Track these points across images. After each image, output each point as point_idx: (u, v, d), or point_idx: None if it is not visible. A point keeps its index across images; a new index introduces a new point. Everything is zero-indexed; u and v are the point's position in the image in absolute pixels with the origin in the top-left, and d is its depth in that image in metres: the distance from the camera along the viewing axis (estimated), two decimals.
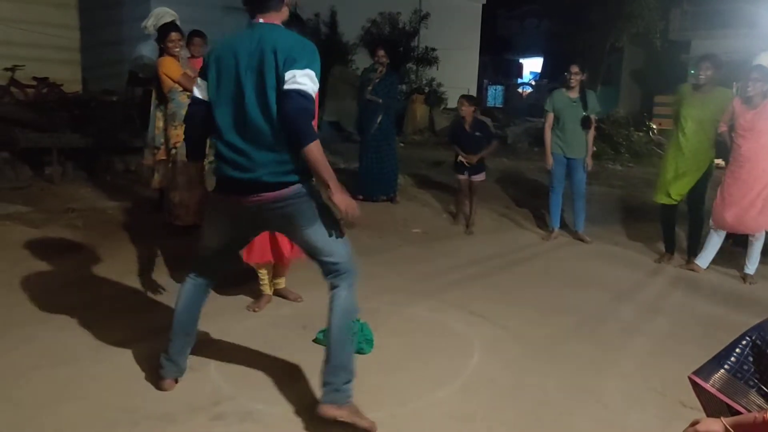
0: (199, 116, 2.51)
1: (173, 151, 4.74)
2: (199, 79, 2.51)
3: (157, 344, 3.13)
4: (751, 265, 4.88)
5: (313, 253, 2.51)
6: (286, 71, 2.28)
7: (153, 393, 2.72)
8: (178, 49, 4.69)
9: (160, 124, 4.91)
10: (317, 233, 2.45)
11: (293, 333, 3.40)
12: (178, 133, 4.54)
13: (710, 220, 4.99)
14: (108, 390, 2.71)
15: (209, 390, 2.77)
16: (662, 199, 5.16)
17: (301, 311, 3.73)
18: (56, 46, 9.87)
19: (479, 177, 6.20)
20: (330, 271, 2.50)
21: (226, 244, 2.66)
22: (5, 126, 6.67)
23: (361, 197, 6.47)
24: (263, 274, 3.75)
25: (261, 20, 2.43)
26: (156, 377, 2.78)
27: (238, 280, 3.98)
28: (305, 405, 2.66)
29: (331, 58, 13.07)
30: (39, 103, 8.17)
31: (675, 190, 5.05)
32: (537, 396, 2.87)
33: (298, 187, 2.40)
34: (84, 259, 4.36)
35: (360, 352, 3.16)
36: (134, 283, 4.01)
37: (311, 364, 2.85)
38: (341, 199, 2.34)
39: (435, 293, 4.11)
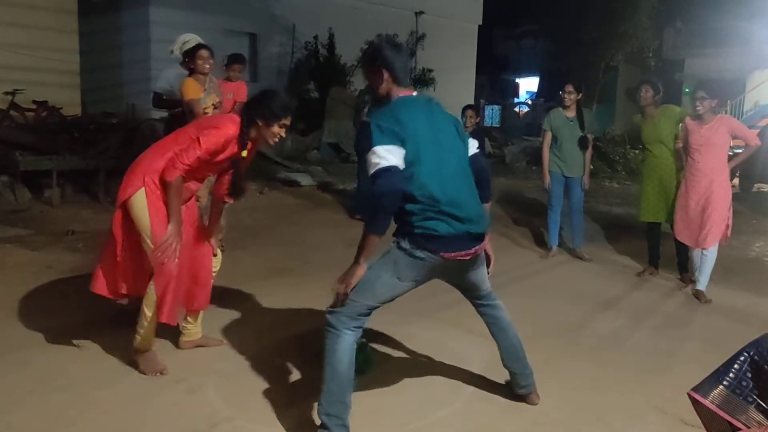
0: (403, 186, 2.41)
1: None
2: (394, 148, 2.39)
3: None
4: (703, 280, 4.77)
5: (476, 288, 2.80)
6: (465, 138, 2.72)
7: (151, 417, 2.70)
8: (208, 66, 4.72)
9: None
10: (485, 266, 2.80)
11: (292, 356, 3.39)
12: None
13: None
14: (105, 415, 2.69)
15: (207, 412, 2.75)
16: (647, 218, 5.36)
17: (298, 333, 3.72)
18: (56, 70, 9.94)
19: None
20: (484, 296, 2.85)
21: (398, 297, 2.61)
22: (5, 149, 6.69)
23: (358, 217, 6.49)
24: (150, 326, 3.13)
25: (414, 93, 2.72)
26: None
27: (239, 305, 3.97)
28: (303, 427, 2.65)
29: (329, 80, 13.15)
30: (39, 126, 8.21)
31: (662, 210, 5.21)
32: (537, 415, 2.85)
33: None
34: (83, 282, 4.32)
35: (359, 372, 3.15)
36: (134, 306, 3.98)
37: (309, 386, 2.83)
38: None
39: (432, 312, 4.10)
